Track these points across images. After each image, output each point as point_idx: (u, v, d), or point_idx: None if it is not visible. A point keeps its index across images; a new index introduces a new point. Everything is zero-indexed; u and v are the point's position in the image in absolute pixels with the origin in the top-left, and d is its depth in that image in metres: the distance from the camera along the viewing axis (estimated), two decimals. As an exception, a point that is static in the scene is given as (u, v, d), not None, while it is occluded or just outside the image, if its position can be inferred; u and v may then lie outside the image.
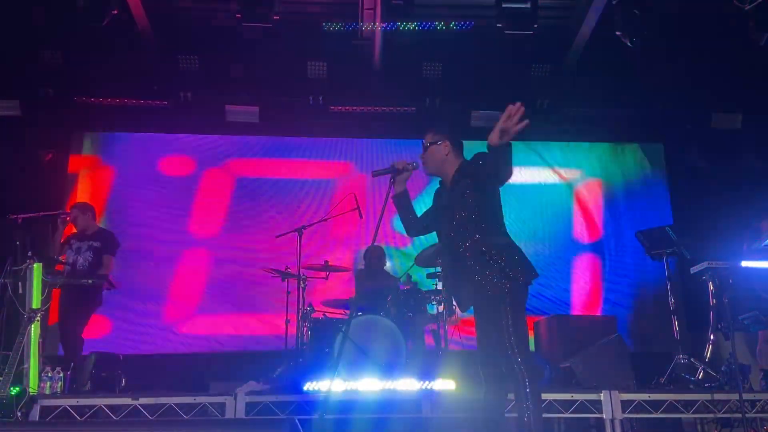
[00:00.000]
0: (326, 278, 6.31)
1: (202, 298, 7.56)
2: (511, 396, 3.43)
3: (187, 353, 7.32)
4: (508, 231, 3.54)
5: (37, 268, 4.86)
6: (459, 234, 3.47)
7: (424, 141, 3.68)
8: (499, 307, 3.30)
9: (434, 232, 3.78)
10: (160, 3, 7.16)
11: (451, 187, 3.59)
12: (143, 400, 4.42)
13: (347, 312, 6.01)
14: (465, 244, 3.43)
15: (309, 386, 4.63)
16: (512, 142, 3.25)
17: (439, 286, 5.81)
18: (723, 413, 4.59)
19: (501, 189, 3.57)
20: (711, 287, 5.34)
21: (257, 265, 7.51)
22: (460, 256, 3.46)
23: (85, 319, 5.79)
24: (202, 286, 7.61)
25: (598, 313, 7.69)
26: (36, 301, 4.78)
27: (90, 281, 5.64)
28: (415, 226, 3.76)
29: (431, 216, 3.75)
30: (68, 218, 5.99)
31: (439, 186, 3.75)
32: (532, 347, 6.72)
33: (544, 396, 4.53)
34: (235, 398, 4.43)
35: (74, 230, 6.14)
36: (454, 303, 5.39)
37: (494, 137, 3.20)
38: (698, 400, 4.60)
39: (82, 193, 7.61)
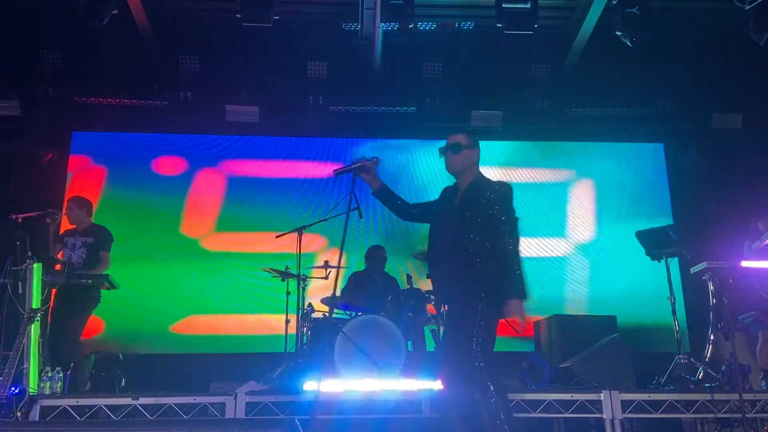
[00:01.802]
0: (326, 278, 6.31)
1: (201, 298, 7.56)
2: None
3: (187, 353, 7.32)
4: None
5: (37, 268, 4.86)
6: (463, 249, 3.49)
7: (454, 140, 3.70)
8: (474, 321, 3.35)
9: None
10: (160, 3, 7.16)
11: (463, 197, 3.63)
12: (143, 400, 4.42)
13: (347, 311, 6.02)
14: (470, 261, 3.45)
15: (309, 386, 4.63)
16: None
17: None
18: (723, 413, 4.60)
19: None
20: (711, 287, 5.35)
21: (257, 265, 7.52)
22: (456, 267, 3.50)
23: (84, 319, 5.71)
24: (201, 285, 7.60)
25: (597, 313, 7.68)
26: (36, 301, 4.78)
27: (89, 281, 5.61)
28: (406, 212, 3.80)
29: (431, 209, 3.78)
30: (56, 216, 5.91)
31: (450, 185, 3.78)
32: (531, 348, 6.77)
33: (544, 396, 4.55)
34: (235, 398, 4.43)
35: (69, 226, 6.08)
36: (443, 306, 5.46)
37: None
38: (698, 400, 4.60)
39: (81, 193, 7.58)
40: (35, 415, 4.33)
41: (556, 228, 8.05)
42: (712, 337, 5.43)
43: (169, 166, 7.97)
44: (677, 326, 5.68)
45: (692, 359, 5.39)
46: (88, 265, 5.78)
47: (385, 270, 6.75)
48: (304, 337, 5.69)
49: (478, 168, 3.74)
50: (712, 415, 4.67)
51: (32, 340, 4.64)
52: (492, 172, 8.00)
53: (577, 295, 7.86)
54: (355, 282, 6.56)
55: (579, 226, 8.11)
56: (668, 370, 5.35)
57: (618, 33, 6.52)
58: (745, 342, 5.80)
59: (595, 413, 4.50)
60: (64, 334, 5.47)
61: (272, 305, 7.18)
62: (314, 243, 7.49)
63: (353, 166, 3.71)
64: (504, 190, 3.63)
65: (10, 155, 7.54)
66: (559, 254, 7.99)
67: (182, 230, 7.76)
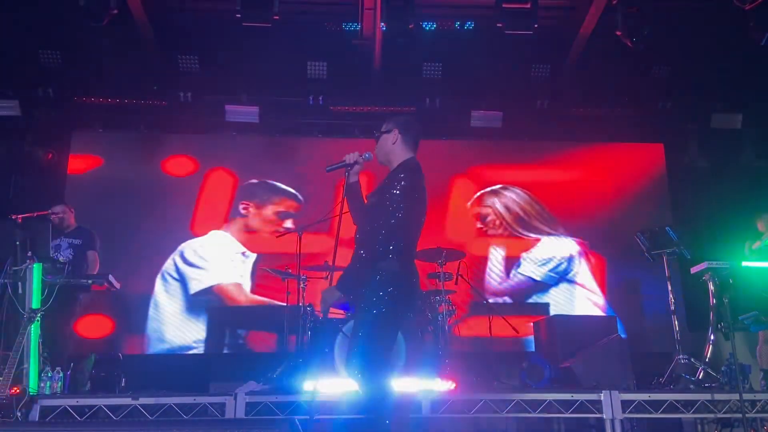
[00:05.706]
0: (326, 278, 6.30)
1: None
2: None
3: (187, 353, 7.32)
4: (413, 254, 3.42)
5: (37, 268, 4.86)
6: (362, 241, 3.39)
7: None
8: (364, 321, 3.24)
9: None
10: (160, 3, 7.16)
11: (382, 184, 3.48)
12: (143, 400, 4.42)
13: (347, 312, 6.02)
14: (361, 254, 3.34)
15: (309, 386, 4.63)
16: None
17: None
18: (723, 413, 4.60)
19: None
20: (711, 287, 5.35)
21: (257, 265, 7.53)
22: (357, 262, 3.38)
23: (69, 320, 5.69)
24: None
25: (598, 313, 7.69)
26: (36, 301, 4.78)
27: (90, 281, 5.60)
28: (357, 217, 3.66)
29: None
30: (58, 215, 5.91)
31: None
32: (531, 348, 6.77)
33: (544, 396, 4.55)
34: (235, 398, 4.43)
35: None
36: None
37: None
38: (698, 400, 4.60)
39: (81, 193, 7.59)
40: (35, 415, 4.33)
41: (558, 227, 8.05)
42: (712, 337, 5.43)
43: (174, 166, 7.95)
44: (677, 326, 5.68)
45: (692, 359, 5.39)
46: (75, 266, 5.75)
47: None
48: (305, 337, 5.68)
49: (404, 153, 3.52)
50: (712, 415, 4.67)
51: (32, 340, 4.64)
52: (492, 172, 8.12)
53: (577, 294, 7.85)
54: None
55: (579, 226, 8.11)
56: (668, 370, 5.35)
57: (618, 33, 6.52)
58: (745, 342, 5.80)
59: (595, 413, 4.51)
60: (48, 334, 5.45)
61: (272, 305, 7.19)
62: (315, 242, 7.50)
63: (343, 162, 3.65)
64: (402, 168, 3.41)
65: (10, 155, 7.54)
66: (560, 253, 7.98)
67: (187, 229, 7.76)
